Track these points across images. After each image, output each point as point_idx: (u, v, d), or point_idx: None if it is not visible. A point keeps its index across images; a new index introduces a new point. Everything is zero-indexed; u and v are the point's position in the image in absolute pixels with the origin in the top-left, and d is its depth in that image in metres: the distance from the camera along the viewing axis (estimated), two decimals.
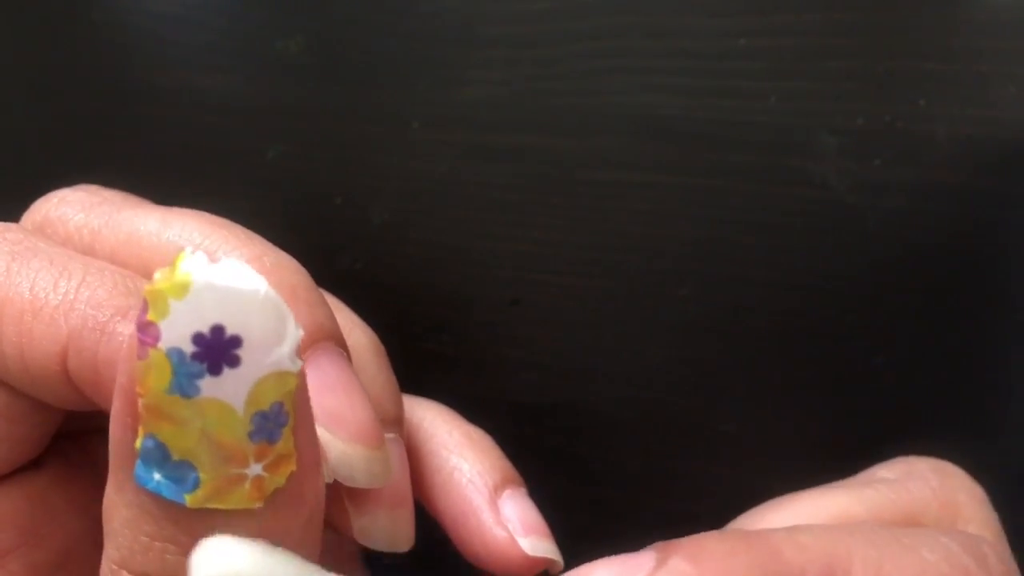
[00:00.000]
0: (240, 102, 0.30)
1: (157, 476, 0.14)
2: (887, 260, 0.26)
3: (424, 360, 0.28)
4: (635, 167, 0.27)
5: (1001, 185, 0.25)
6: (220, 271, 0.14)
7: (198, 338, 0.14)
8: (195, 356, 0.14)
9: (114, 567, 0.16)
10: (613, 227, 0.27)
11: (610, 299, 0.27)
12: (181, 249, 0.14)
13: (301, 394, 0.15)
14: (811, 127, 0.26)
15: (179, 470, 0.14)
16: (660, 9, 0.27)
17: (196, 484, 0.14)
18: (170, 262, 0.14)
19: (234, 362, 0.14)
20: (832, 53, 0.26)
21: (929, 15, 0.26)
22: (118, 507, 0.15)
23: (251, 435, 0.14)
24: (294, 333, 0.14)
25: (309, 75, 0.29)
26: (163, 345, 0.14)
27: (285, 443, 0.15)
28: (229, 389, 0.14)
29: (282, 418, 0.15)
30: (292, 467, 0.15)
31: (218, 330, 0.14)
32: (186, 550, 0.15)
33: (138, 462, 0.15)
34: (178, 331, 0.14)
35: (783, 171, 0.26)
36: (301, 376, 0.15)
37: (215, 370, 0.14)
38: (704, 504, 0.27)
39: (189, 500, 0.14)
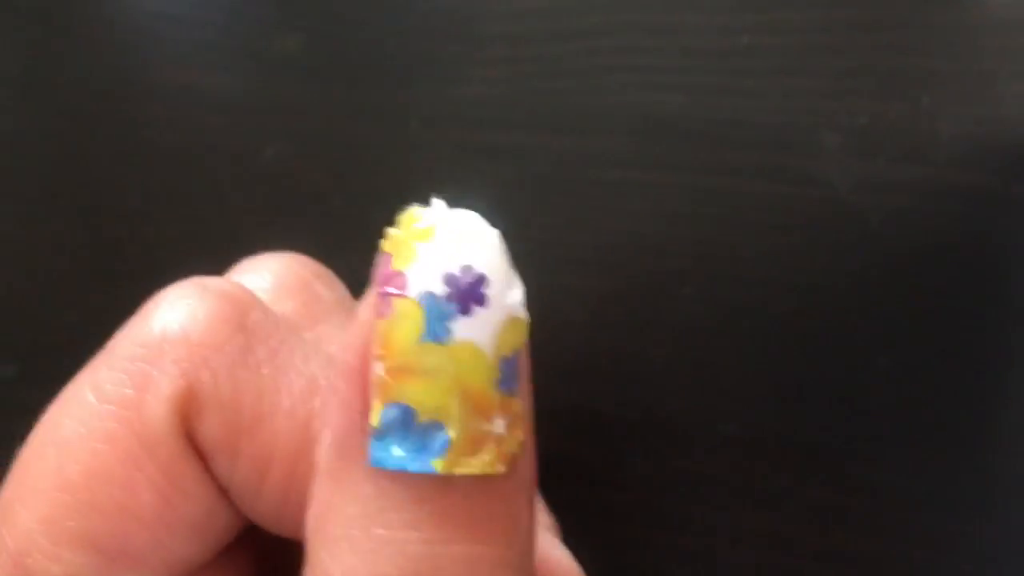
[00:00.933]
0: (239, 101, 0.30)
1: (398, 451, 0.14)
2: (889, 259, 0.26)
3: None
4: (636, 166, 0.27)
5: (1005, 183, 0.25)
6: (459, 215, 0.14)
7: (449, 279, 0.14)
8: (447, 297, 0.14)
9: None
10: (614, 227, 0.27)
11: (610, 299, 0.27)
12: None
13: (527, 350, 0.15)
14: (814, 125, 0.26)
15: (425, 434, 0.14)
16: (661, 7, 0.27)
17: (445, 446, 0.14)
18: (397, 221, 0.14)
19: (483, 301, 0.14)
20: (835, 51, 0.26)
21: (933, 14, 0.26)
22: (340, 509, 0.14)
23: (498, 383, 0.14)
24: (520, 283, 0.15)
25: (308, 74, 0.29)
26: (412, 291, 0.14)
27: (522, 401, 0.15)
28: (479, 331, 0.14)
29: (519, 369, 0.15)
30: (523, 435, 0.15)
31: (467, 269, 0.14)
32: (433, 535, 0.14)
33: (372, 443, 0.14)
34: (428, 273, 0.14)
35: (785, 170, 0.26)
36: (529, 329, 0.15)
37: (466, 310, 0.14)
38: (705, 505, 0.27)
39: (439, 465, 0.14)
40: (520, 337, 0.14)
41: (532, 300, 0.29)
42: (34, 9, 0.31)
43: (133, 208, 0.30)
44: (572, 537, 0.28)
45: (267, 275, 0.19)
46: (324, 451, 0.14)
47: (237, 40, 0.30)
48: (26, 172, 0.31)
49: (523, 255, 0.28)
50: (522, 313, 0.14)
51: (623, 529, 0.27)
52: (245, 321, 0.16)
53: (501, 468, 0.14)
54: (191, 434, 0.15)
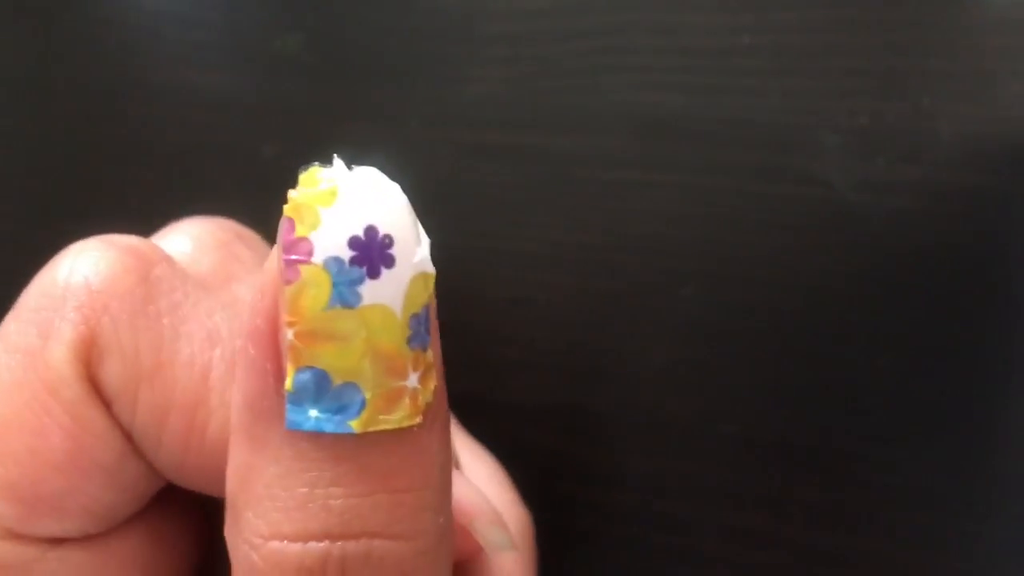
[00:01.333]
0: (238, 100, 0.30)
1: (314, 412, 0.14)
2: (890, 259, 0.26)
3: None
4: (636, 166, 0.27)
5: (1005, 184, 0.25)
6: (361, 174, 0.14)
7: (354, 242, 0.13)
8: (353, 261, 0.14)
9: (258, 541, 0.14)
10: (614, 226, 0.27)
11: (610, 299, 0.27)
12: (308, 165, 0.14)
13: (434, 301, 0.15)
14: (814, 126, 0.26)
15: (341, 396, 0.14)
16: (661, 6, 0.27)
17: (361, 406, 0.14)
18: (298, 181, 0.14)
19: (390, 262, 0.14)
20: (835, 51, 0.26)
21: (933, 13, 0.26)
22: (260, 470, 0.14)
23: (409, 341, 0.14)
24: (425, 236, 0.14)
25: (307, 73, 0.29)
26: (318, 257, 0.13)
27: (431, 352, 0.14)
28: (388, 291, 0.14)
29: (429, 323, 0.14)
30: (435, 381, 0.15)
31: (372, 231, 0.14)
32: (354, 490, 0.14)
33: (288, 406, 0.14)
34: (333, 238, 0.13)
35: (785, 170, 0.26)
36: (434, 280, 0.14)
37: (374, 273, 0.14)
38: (705, 506, 0.27)
39: (356, 425, 0.14)
40: (428, 291, 0.14)
41: (532, 300, 0.29)
42: (34, 9, 0.31)
43: (133, 208, 0.30)
44: (572, 537, 0.28)
45: (186, 237, 0.19)
46: (237, 412, 0.15)
47: (237, 40, 0.30)
48: (26, 172, 0.31)
49: (523, 255, 0.28)
50: (429, 267, 0.14)
51: (623, 529, 0.27)
52: (149, 273, 0.16)
53: (417, 420, 0.14)
54: (94, 379, 0.16)
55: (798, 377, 0.26)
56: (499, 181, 0.28)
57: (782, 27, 0.26)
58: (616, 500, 0.27)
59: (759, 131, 0.26)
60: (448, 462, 0.15)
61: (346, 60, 0.29)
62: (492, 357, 0.28)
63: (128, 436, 0.16)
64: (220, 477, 0.16)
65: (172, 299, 0.16)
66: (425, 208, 0.28)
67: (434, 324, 0.15)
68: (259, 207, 0.29)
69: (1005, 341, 0.25)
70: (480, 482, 0.21)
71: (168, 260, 0.17)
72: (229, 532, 0.15)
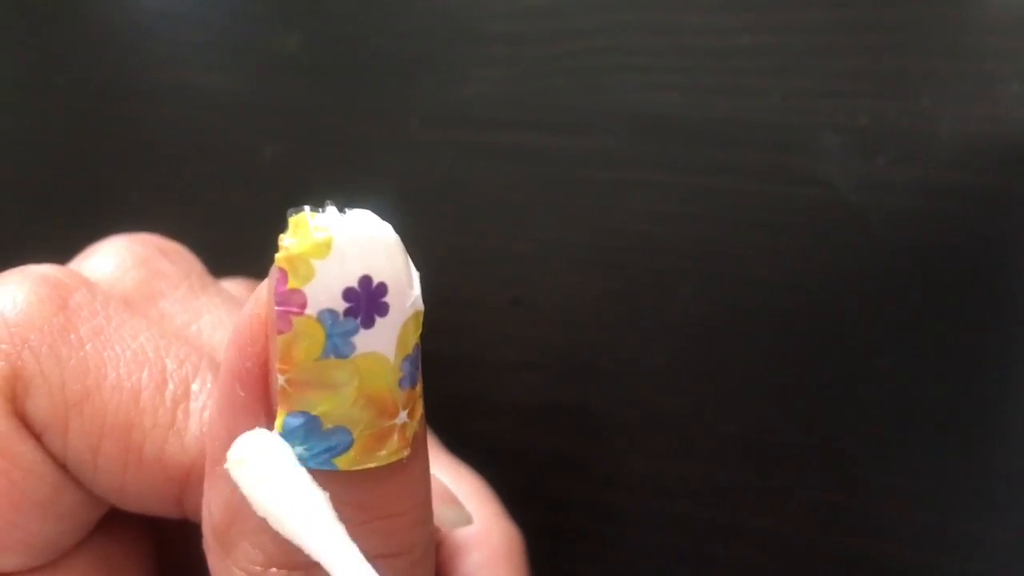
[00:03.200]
0: (238, 100, 0.30)
1: (299, 449, 0.14)
2: (890, 259, 0.26)
3: (424, 360, 0.28)
4: (636, 166, 0.27)
5: (1005, 184, 0.25)
6: (354, 221, 0.13)
7: (349, 293, 0.13)
8: (348, 312, 0.13)
9: (257, 569, 0.14)
10: (614, 226, 0.27)
11: (610, 299, 0.27)
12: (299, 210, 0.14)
13: (419, 339, 0.15)
14: (814, 125, 0.26)
15: (330, 438, 0.14)
16: (662, 6, 0.27)
17: (348, 446, 0.14)
18: (289, 226, 0.13)
19: (384, 310, 0.14)
20: (836, 51, 0.26)
21: (934, 14, 0.26)
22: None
23: (401, 382, 0.14)
24: (415, 273, 0.14)
25: (307, 73, 0.29)
26: (311, 310, 0.13)
27: (420, 384, 0.15)
28: (382, 339, 0.14)
29: (418, 360, 0.14)
30: (421, 408, 0.15)
31: (366, 281, 0.13)
32: (350, 519, 0.14)
33: None
34: (328, 291, 0.13)
35: (786, 170, 0.26)
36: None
37: (368, 323, 0.13)
38: (705, 506, 0.27)
39: (341, 463, 0.14)
40: (418, 330, 0.14)
41: (532, 300, 0.29)
42: (34, 9, 0.31)
43: (133, 208, 0.30)
44: (572, 537, 0.28)
45: (107, 258, 0.19)
46: (224, 448, 0.15)
47: (237, 40, 0.30)
48: (26, 172, 0.31)
49: (523, 255, 0.28)
50: (420, 305, 0.14)
51: (623, 529, 0.27)
52: (67, 301, 0.16)
53: (405, 453, 0.14)
54: (21, 414, 0.16)
55: (798, 377, 0.26)
56: (499, 181, 0.28)
57: (782, 27, 0.26)
58: (616, 500, 0.27)
59: (759, 131, 0.26)
60: (428, 472, 0.16)
61: (345, 60, 0.29)
62: (492, 357, 0.28)
63: (63, 466, 0.16)
64: (162, 497, 0.16)
65: (93, 324, 0.16)
66: (425, 208, 0.28)
67: (419, 359, 0.15)
68: (259, 207, 0.30)
69: (1005, 341, 0.25)
70: (464, 498, 0.21)
71: (87, 285, 0.17)
72: (218, 563, 0.15)
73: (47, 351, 0.16)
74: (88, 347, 0.16)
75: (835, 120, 0.26)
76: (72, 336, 0.16)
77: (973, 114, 0.25)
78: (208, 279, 0.20)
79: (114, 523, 0.18)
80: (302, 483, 0.14)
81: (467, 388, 0.28)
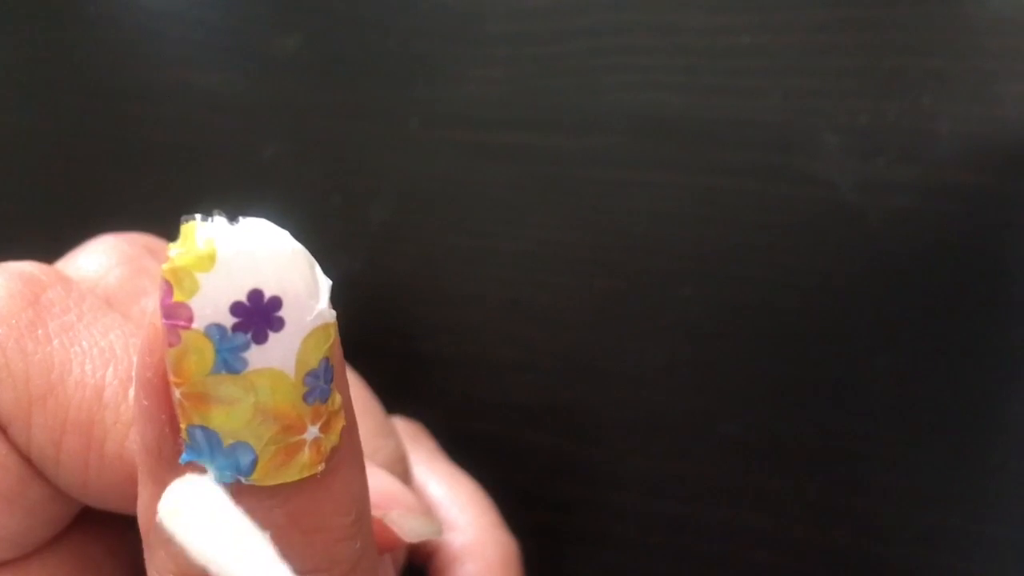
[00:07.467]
0: (237, 100, 0.30)
1: (210, 467, 0.14)
2: (890, 259, 0.26)
3: (424, 361, 0.28)
4: (636, 166, 0.27)
5: (1005, 183, 0.25)
6: (243, 232, 0.13)
7: (237, 308, 0.13)
8: (237, 327, 0.13)
9: None
10: (613, 227, 0.27)
11: (610, 299, 0.27)
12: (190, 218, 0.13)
13: (337, 346, 0.14)
14: (814, 125, 0.26)
15: (233, 454, 0.13)
16: (662, 6, 0.27)
17: (253, 464, 0.13)
18: (179, 235, 0.13)
19: (278, 325, 0.13)
20: (836, 51, 0.26)
21: (933, 13, 0.26)
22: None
23: (306, 397, 0.13)
24: (325, 283, 0.13)
25: (307, 73, 0.29)
26: (198, 324, 0.13)
27: (334, 399, 0.14)
28: (277, 354, 0.13)
29: (329, 374, 0.14)
30: (343, 422, 0.14)
31: (256, 295, 0.13)
32: (269, 534, 0.14)
33: (183, 456, 0.14)
34: (214, 306, 0.13)
35: (786, 170, 0.26)
36: (336, 326, 0.14)
37: (260, 338, 0.13)
38: (705, 506, 0.27)
39: (251, 478, 0.13)
40: (327, 342, 0.13)
41: (532, 300, 0.29)
42: (34, 9, 0.31)
43: (133, 208, 0.30)
44: (572, 537, 0.28)
45: (95, 256, 0.19)
46: (140, 454, 0.15)
47: (236, 40, 0.30)
48: (26, 172, 0.31)
49: (523, 255, 0.28)
50: (328, 317, 0.13)
51: (623, 529, 0.27)
52: (39, 297, 0.17)
53: (319, 468, 0.14)
54: None
55: (798, 377, 0.26)
56: (499, 181, 0.28)
57: (782, 27, 0.26)
58: (616, 500, 0.27)
59: (759, 131, 0.26)
60: (364, 488, 0.15)
61: (345, 60, 0.29)
62: (492, 357, 0.28)
63: (27, 460, 0.16)
64: (124, 494, 0.16)
65: (64, 321, 0.17)
66: (425, 208, 0.28)
67: (339, 369, 0.14)
68: (259, 206, 0.30)
69: (1005, 341, 0.25)
70: (460, 507, 0.21)
71: (63, 282, 0.17)
72: (147, 565, 0.15)
73: (13, 345, 0.16)
74: (55, 343, 0.16)
75: (835, 120, 0.26)
76: (40, 331, 0.16)
77: (973, 114, 0.25)
78: None
79: (93, 522, 0.18)
80: (241, 528, 0.13)
81: (467, 388, 0.28)
